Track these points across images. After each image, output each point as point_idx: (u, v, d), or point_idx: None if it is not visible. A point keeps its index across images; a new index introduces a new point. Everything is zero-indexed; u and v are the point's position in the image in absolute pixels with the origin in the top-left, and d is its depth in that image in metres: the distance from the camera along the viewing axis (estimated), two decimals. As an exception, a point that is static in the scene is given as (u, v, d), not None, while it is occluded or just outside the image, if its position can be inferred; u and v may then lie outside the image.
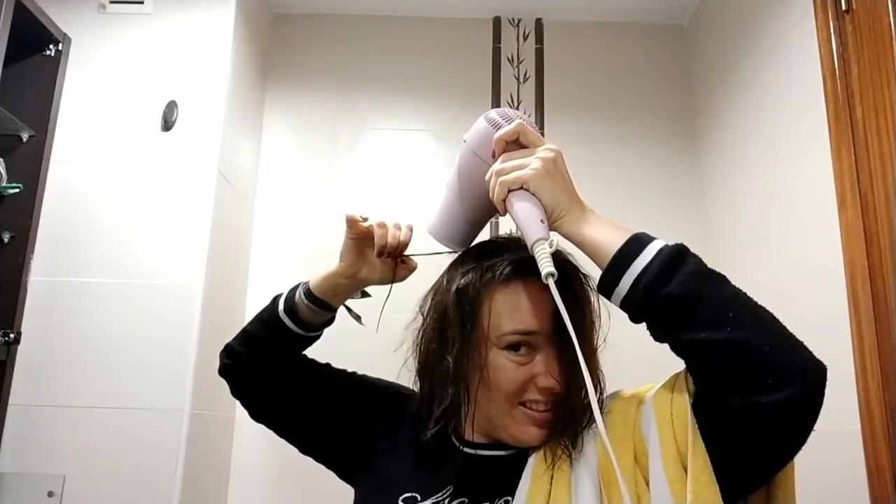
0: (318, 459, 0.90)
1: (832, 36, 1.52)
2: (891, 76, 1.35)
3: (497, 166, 0.70)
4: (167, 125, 1.89)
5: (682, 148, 2.30)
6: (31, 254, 1.65)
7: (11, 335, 1.57)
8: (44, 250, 1.71)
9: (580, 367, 0.63)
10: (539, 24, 2.41)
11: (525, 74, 2.36)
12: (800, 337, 0.62)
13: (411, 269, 0.87)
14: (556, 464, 0.71)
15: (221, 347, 0.93)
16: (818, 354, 0.61)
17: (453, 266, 0.81)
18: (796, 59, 1.66)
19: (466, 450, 0.79)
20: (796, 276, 1.63)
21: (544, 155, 0.69)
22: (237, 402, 0.93)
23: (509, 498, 0.72)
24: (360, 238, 0.84)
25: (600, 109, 2.33)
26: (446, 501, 0.75)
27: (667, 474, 0.64)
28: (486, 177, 0.71)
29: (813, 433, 0.60)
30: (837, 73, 1.50)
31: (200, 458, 1.76)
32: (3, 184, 1.63)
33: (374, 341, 0.93)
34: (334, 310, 0.90)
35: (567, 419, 0.72)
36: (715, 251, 2.14)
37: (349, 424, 0.88)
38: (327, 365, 0.94)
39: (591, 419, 0.71)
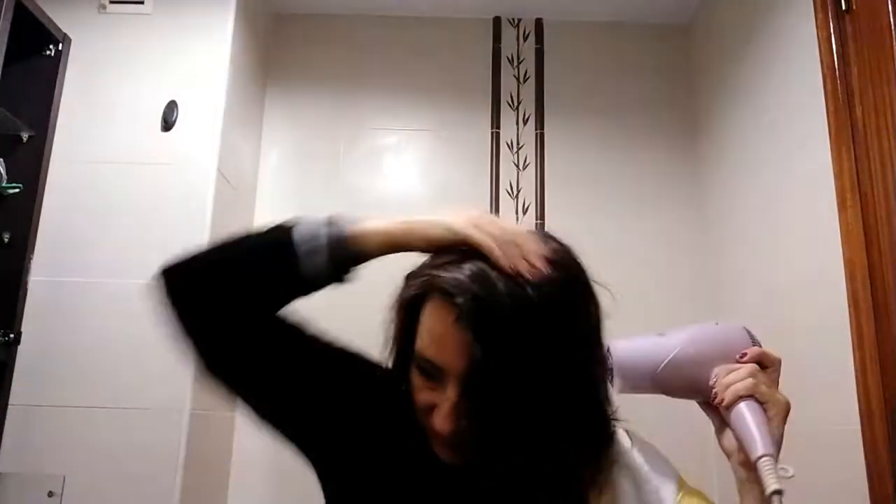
0: (285, 435, 0.74)
1: (832, 36, 1.52)
2: (891, 76, 1.34)
3: (732, 374, 0.68)
4: (167, 125, 1.89)
5: (683, 148, 2.30)
6: (32, 254, 1.65)
7: (11, 335, 1.58)
8: (44, 250, 1.71)
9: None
10: (539, 24, 2.41)
11: (525, 74, 2.36)
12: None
13: None
14: None
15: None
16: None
17: (420, 265, 0.68)
18: (796, 59, 1.66)
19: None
20: (796, 276, 1.63)
21: (776, 376, 0.69)
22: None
23: None
24: None
25: (600, 109, 2.33)
26: None
27: None
28: (712, 379, 0.69)
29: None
30: (837, 73, 1.49)
31: (200, 458, 1.76)
32: (3, 184, 1.63)
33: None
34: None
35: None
36: (715, 251, 2.14)
37: (332, 409, 0.72)
38: (304, 323, 0.74)
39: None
